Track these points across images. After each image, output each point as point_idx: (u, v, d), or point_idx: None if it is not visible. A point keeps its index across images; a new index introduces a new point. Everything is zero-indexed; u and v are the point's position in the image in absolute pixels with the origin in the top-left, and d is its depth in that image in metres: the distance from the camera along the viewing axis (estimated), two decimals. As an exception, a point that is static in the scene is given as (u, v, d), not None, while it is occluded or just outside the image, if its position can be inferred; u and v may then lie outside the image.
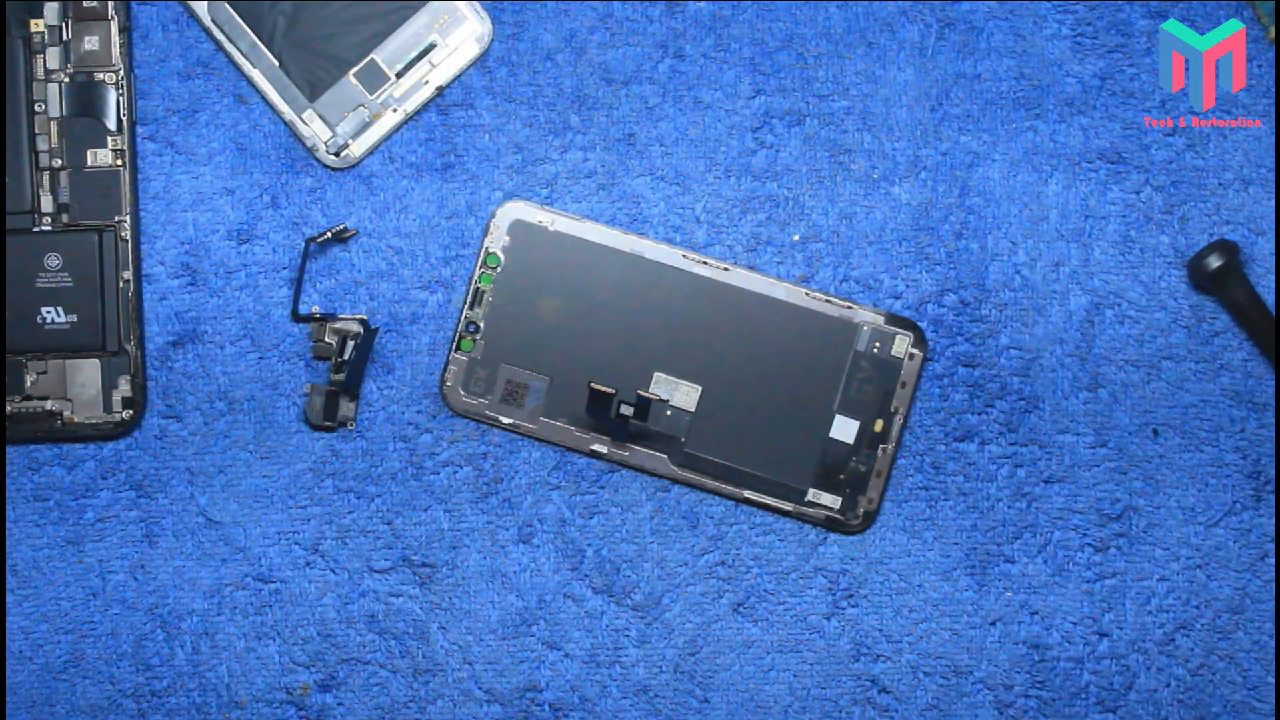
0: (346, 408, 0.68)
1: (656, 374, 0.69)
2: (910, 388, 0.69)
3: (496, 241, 0.69)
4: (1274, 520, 0.69)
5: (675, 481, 0.69)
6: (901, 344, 0.69)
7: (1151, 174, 0.70)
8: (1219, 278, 0.69)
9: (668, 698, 0.69)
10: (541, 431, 0.69)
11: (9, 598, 0.69)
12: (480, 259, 0.69)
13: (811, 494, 0.68)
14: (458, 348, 0.69)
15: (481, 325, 0.69)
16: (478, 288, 0.69)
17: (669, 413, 0.68)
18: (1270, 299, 0.69)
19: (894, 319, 0.69)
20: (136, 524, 0.69)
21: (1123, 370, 0.70)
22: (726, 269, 0.68)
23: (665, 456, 0.69)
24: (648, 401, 0.66)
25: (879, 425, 0.67)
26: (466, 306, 0.69)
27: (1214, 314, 0.70)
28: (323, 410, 0.68)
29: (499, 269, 0.69)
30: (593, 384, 0.65)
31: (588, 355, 0.69)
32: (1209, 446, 0.69)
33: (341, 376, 0.68)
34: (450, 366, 0.69)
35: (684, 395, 0.68)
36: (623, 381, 0.68)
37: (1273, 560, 0.69)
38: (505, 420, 0.69)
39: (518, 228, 0.69)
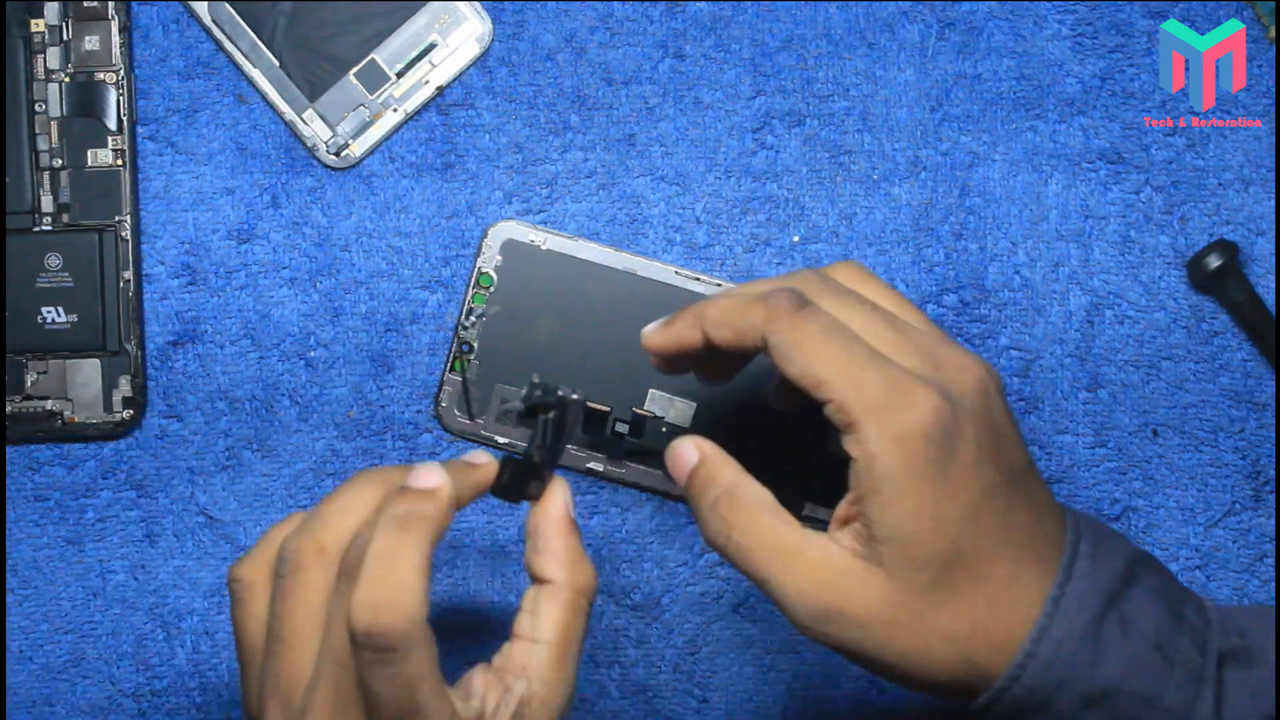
0: (535, 488, 0.58)
1: (651, 391, 0.69)
2: None
3: (489, 261, 0.69)
4: (1273, 521, 0.69)
5: (671, 498, 0.69)
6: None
7: (1151, 174, 0.70)
8: (1219, 278, 0.69)
9: (666, 698, 0.69)
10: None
11: (9, 598, 0.69)
12: (473, 279, 0.69)
13: (809, 508, 0.68)
14: (451, 369, 0.69)
15: (475, 345, 0.69)
16: (471, 308, 0.69)
17: (664, 430, 0.68)
18: (1270, 299, 0.70)
19: None
20: (137, 524, 0.70)
21: (1122, 370, 0.70)
22: (719, 285, 0.68)
23: (661, 473, 0.69)
24: (643, 419, 0.66)
25: None
26: (460, 327, 0.69)
27: (1214, 314, 0.70)
28: (508, 485, 0.57)
29: (492, 289, 0.69)
30: (588, 403, 0.65)
31: (582, 374, 0.68)
32: (1208, 447, 0.69)
33: (537, 458, 0.58)
34: (445, 387, 0.69)
35: (679, 411, 0.68)
36: (618, 399, 0.67)
37: (1272, 561, 0.69)
38: (501, 440, 0.69)
39: (510, 247, 0.69)
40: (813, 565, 0.54)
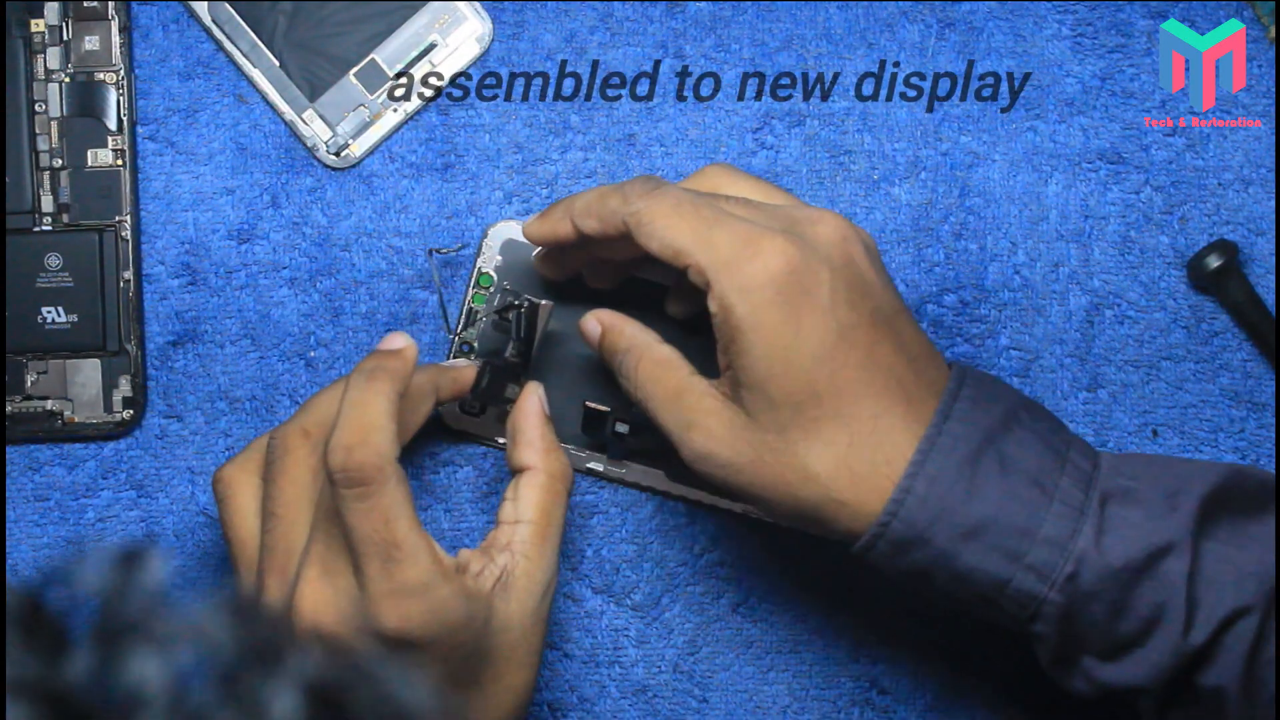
0: (512, 391, 0.66)
1: None
2: None
3: (489, 262, 0.69)
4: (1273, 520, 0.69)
5: (672, 497, 0.69)
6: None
7: (1151, 174, 0.70)
8: (1219, 278, 0.69)
9: (666, 698, 0.69)
10: None
11: (10, 598, 0.69)
12: (473, 279, 0.69)
13: None
14: None
15: (476, 346, 0.69)
16: (471, 308, 0.69)
17: None
18: (1270, 299, 0.70)
19: None
20: (137, 524, 0.70)
21: (1122, 370, 0.70)
22: None
23: (662, 472, 0.69)
24: (643, 419, 0.66)
25: None
26: (460, 328, 0.69)
27: (1214, 314, 0.70)
28: (488, 388, 0.64)
29: (492, 289, 0.69)
30: (588, 403, 0.65)
31: (583, 374, 0.68)
32: (1208, 447, 0.69)
33: (515, 357, 0.66)
34: None
35: None
36: (619, 400, 0.67)
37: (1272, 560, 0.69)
38: (501, 441, 0.69)
39: (510, 247, 0.69)
40: (688, 410, 0.59)
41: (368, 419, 0.57)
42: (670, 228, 0.58)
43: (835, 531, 0.58)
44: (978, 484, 0.56)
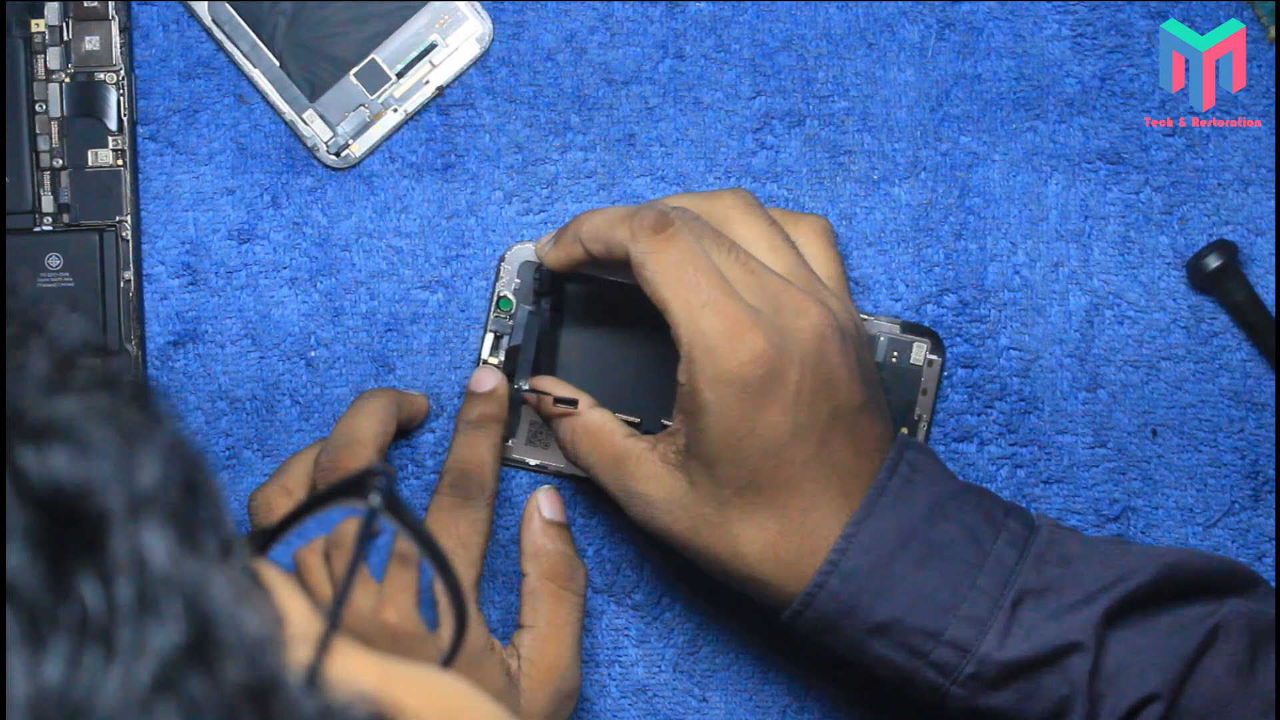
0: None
1: None
2: (931, 394, 0.68)
3: (507, 285, 0.69)
4: (1273, 521, 0.69)
5: None
6: (919, 351, 0.69)
7: (1151, 174, 0.70)
8: (1218, 278, 0.69)
9: (666, 697, 0.69)
10: (569, 468, 0.68)
11: (10, 598, 0.69)
12: (492, 304, 0.69)
13: None
14: None
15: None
16: (494, 333, 0.69)
17: None
18: (1270, 299, 0.70)
19: (909, 327, 0.68)
20: (137, 524, 0.70)
21: (1122, 371, 0.70)
22: None
23: None
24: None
25: (903, 433, 0.67)
26: (485, 352, 0.69)
27: (1213, 314, 0.70)
28: (541, 280, 0.67)
29: (512, 312, 0.69)
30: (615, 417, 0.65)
31: (608, 390, 0.67)
32: (1207, 447, 0.69)
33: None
34: None
35: None
36: (645, 411, 0.67)
37: (1271, 560, 0.69)
38: (533, 461, 0.69)
39: (528, 269, 0.69)
40: (628, 477, 0.62)
41: (478, 456, 0.65)
42: (666, 285, 0.59)
43: (760, 603, 0.61)
44: (892, 584, 0.59)
